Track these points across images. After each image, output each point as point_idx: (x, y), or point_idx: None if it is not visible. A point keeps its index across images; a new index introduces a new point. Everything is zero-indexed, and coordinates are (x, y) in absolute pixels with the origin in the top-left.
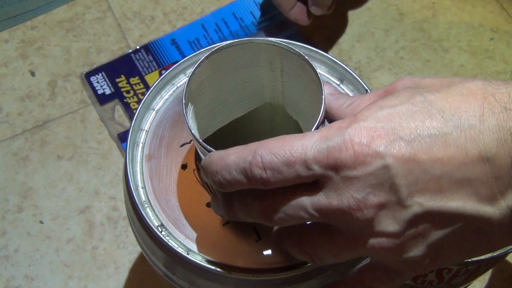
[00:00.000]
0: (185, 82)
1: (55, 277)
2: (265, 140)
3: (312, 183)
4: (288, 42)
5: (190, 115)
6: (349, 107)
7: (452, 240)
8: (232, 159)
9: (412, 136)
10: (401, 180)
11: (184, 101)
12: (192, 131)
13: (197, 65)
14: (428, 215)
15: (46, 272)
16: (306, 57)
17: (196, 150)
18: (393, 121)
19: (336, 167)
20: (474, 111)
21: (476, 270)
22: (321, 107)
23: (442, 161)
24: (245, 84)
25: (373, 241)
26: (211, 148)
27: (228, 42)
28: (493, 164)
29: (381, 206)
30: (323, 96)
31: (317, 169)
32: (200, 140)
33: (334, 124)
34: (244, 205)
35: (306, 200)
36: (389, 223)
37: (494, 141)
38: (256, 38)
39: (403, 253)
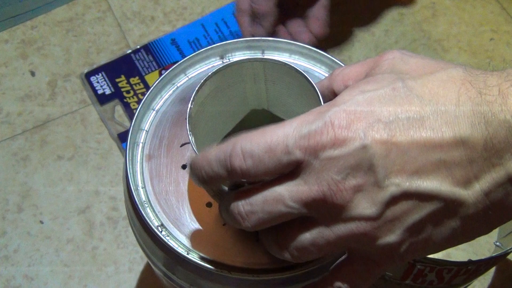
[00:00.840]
0: (187, 118)
1: (55, 277)
2: (247, 133)
3: (290, 173)
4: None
5: (195, 144)
6: (341, 73)
7: (429, 224)
8: (213, 153)
9: (391, 119)
10: (379, 160)
11: (190, 135)
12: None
13: (192, 99)
14: (404, 196)
15: (46, 272)
16: (291, 65)
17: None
18: (373, 105)
19: (316, 150)
20: (451, 97)
21: (476, 270)
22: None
23: (418, 143)
24: (231, 100)
25: (351, 225)
26: None
27: (216, 68)
28: (467, 146)
29: (359, 188)
30: (321, 101)
31: (298, 153)
32: None
33: (314, 109)
34: (225, 210)
35: (284, 191)
36: (367, 206)
37: (468, 124)
38: (241, 60)
39: (380, 237)
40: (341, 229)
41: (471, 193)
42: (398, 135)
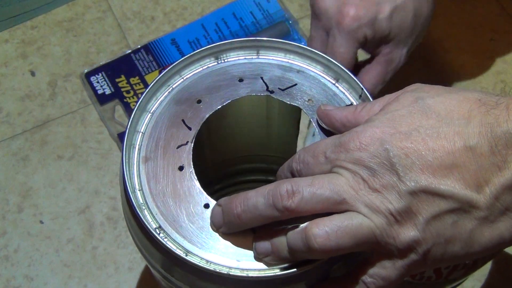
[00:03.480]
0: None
1: (55, 277)
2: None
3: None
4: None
5: None
6: (364, 109)
7: (447, 223)
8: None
9: (410, 130)
10: (400, 160)
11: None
12: None
13: None
14: (423, 192)
15: (46, 272)
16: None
17: (193, 152)
18: (395, 121)
19: (345, 150)
20: (464, 113)
21: (474, 265)
22: None
23: (434, 149)
24: None
25: (376, 219)
26: None
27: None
28: (475, 151)
29: (382, 186)
30: None
31: (332, 156)
32: None
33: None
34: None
35: (327, 185)
36: (390, 200)
37: (477, 133)
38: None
39: (403, 232)
40: (375, 220)
41: (482, 197)
42: (415, 143)
